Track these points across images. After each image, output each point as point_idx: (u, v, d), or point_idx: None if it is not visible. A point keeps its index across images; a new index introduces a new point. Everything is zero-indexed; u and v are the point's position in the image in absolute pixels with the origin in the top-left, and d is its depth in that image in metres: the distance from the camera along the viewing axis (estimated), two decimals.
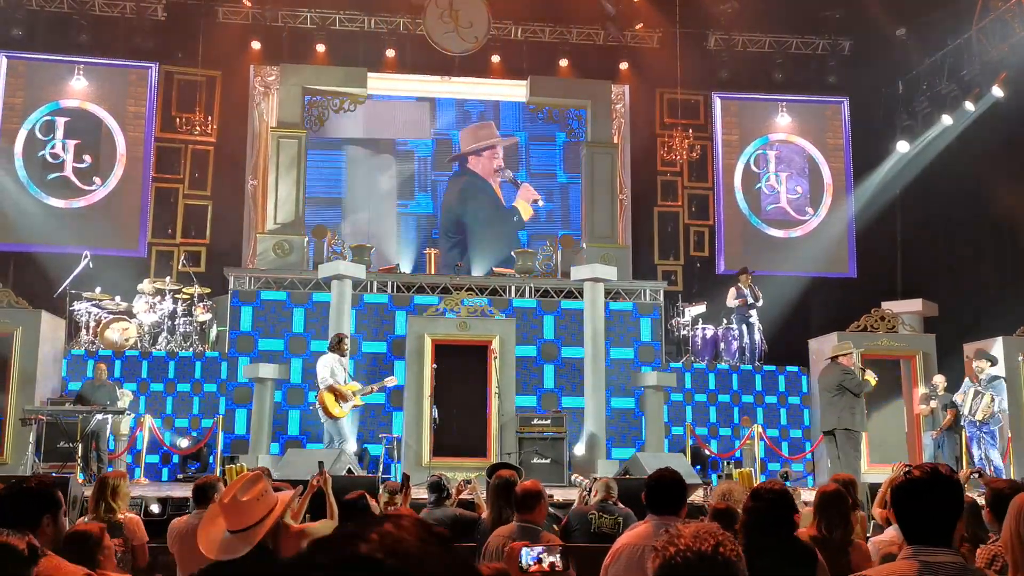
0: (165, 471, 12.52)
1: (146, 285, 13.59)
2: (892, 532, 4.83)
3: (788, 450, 13.38)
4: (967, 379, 11.90)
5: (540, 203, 16.37)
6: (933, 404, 12.10)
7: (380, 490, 7.11)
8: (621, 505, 6.20)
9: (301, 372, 12.96)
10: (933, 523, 2.44)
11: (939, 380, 12.24)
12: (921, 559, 2.39)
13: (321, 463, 5.67)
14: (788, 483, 7.50)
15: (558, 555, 2.74)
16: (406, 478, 5.70)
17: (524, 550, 2.73)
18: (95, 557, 3.76)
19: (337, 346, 10.91)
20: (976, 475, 6.75)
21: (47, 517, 3.26)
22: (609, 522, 6.11)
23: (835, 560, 3.98)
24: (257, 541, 3.05)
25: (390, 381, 11.26)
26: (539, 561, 2.71)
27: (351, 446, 10.71)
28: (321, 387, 10.60)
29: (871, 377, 10.22)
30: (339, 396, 10.54)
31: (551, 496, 7.13)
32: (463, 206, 16.51)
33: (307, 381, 12.92)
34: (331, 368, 10.69)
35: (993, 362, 11.77)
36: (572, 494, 9.11)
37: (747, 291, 14.20)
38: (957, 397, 11.86)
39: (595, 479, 6.27)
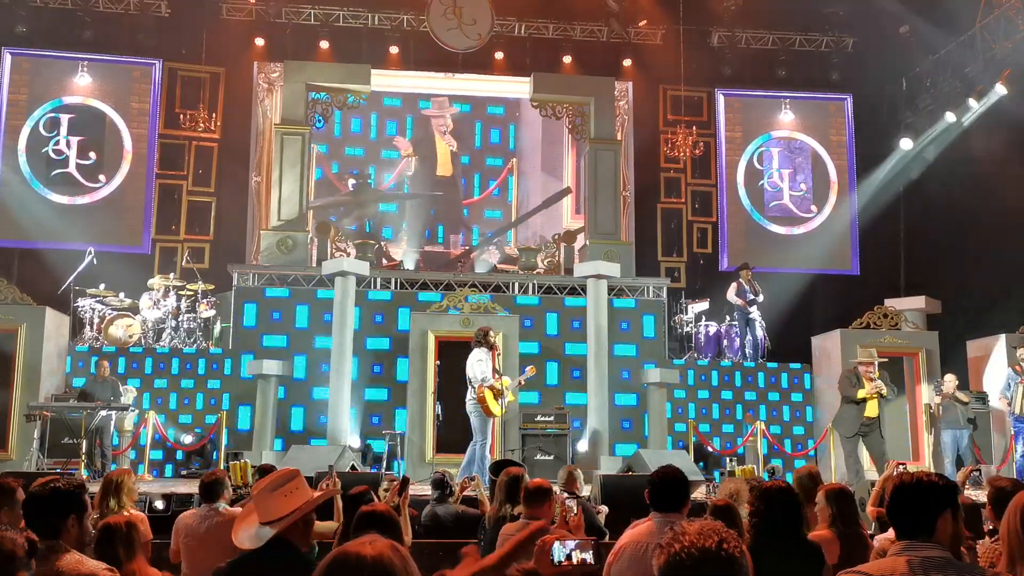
0: (169, 467, 12.56)
1: (158, 280, 13.64)
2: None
3: (791, 447, 13.39)
4: (1010, 371, 11.68)
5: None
6: (938, 399, 12.02)
7: (383, 483, 7.15)
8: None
9: (305, 368, 12.99)
10: (917, 518, 2.59)
11: (950, 379, 12.12)
12: (911, 553, 2.52)
13: (331, 467, 5.71)
14: (777, 478, 7.52)
15: (590, 552, 2.69)
16: (406, 480, 5.70)
17: (556, 545, 2.68)
18: (125, 549, 3.82)
19: (484, 340, 10.51)
20: (976, 472, 6.73)
21: (72, 518, 3.31)
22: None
23: None
24: (280, 529, 3.13)
25: (531, 370, 11.14)
26: (570, 557, 2.67)
27: (488, 445, 10.41)
28: (483, 384, 10.17)
29: (865, 392, 10.19)
30: (497, 394, 10.28)
31: None
32: None
33: (312, 376, 12.96)
34: (486, 363, 10.40)
35: None
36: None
37: (747, 288, 14.18)
38: (1000, 402, 11.67)
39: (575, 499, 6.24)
